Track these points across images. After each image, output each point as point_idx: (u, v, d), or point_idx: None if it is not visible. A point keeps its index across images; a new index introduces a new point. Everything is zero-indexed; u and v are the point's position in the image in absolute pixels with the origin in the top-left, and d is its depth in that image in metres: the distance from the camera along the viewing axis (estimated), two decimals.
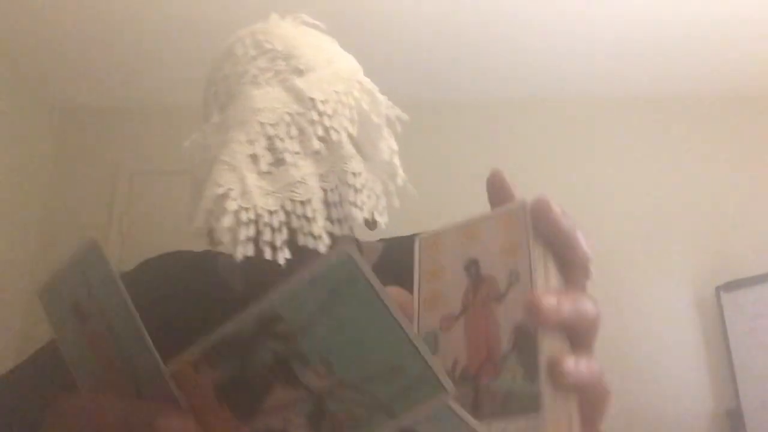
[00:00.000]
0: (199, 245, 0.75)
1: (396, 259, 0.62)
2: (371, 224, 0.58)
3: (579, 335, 0.33)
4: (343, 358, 0.24)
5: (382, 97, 0.62)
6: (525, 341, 0.29)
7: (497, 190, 0.36)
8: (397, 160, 0.61)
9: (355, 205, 0.55)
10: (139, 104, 2.56)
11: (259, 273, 0.53)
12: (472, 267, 0.32)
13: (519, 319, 0.29)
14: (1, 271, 2.20)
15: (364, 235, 0.66)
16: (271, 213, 0.51)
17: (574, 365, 0.29)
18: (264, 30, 0.64)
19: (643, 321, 2.20)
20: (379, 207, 0.58)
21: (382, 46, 2.12)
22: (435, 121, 2.42)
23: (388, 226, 0.59)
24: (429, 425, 0.24)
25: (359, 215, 0.55)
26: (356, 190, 0.55)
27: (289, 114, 0.56)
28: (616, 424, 0.60)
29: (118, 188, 2.45)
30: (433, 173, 2.29)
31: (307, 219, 0.52)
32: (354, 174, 0.56)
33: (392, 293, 0.37)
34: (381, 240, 0.73)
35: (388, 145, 0.61)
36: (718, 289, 2.17)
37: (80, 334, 0.32)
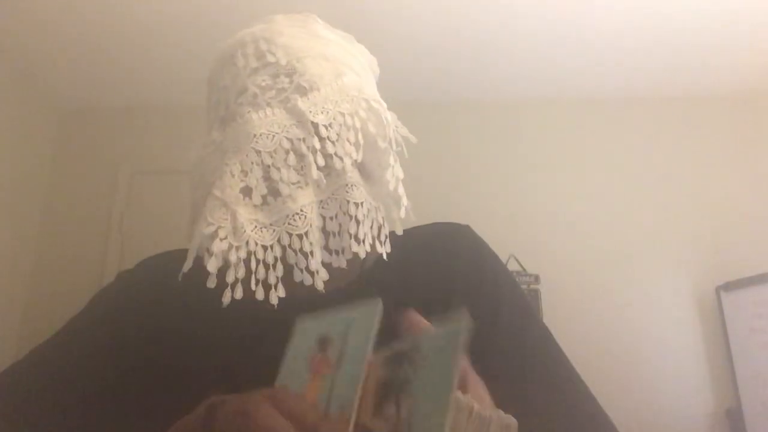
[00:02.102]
0: None
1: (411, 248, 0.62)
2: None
3: None
4: (416, 401, 0.32)
5: (390, 117, 0.59)
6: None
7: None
8: (401, 189, 0.58)
9: (356, 237, 0.52)
10: (139, 104, 2.56)
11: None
12: None
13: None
14: (1, 271, 2.20)
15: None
16: (265, 249, 0.49)
17: None
18: (268, 36, 0.60)
19: (643, 321, 2.20)
20: (381, 236, 0.55)
21: (381, 47, 2.11)
22: (435, 121, 2.42)
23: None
24: None
25: (360, 250, 0.52)
26: (358, 222, 0.52)
27: (289, 140, 0.53)
28: (615, 424, 0.60)
29: (118, 188, 2.45)
30: (433, 173, 2.29)
31: (305, 254, 0.49)
32: (356, 204, 0.53)
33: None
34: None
35: (394, 173, 0.57)
36: (718, 289, 2.17)
37: (308, 353, 0.37)
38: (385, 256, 0.55)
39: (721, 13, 2.00)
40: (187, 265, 0.48)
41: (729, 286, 2.14)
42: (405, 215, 0.59)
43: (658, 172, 2.40)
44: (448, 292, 0.63)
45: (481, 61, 2.29)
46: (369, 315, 0.36)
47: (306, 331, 0.38)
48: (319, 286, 0.50)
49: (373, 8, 1.96)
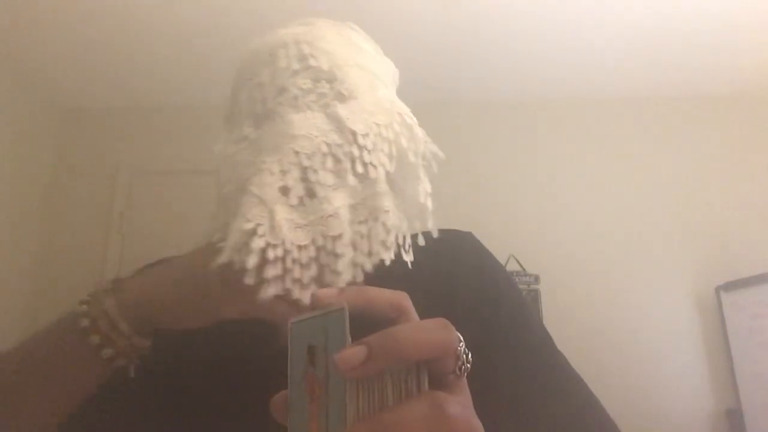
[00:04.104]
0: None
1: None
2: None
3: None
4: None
5: (420, 132, 0.60)
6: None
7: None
8: (430, 203, 0.59)
9: (384, 245, 0.53)
10: (139, 104, 2.56)
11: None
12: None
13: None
14: (1, 271, 2.20)
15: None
16: (300, 248, 0.49)
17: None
18: (311, 40, 0.61)
19: (643, 321, 2.20)
20: (405, 246, 0.55)
21: (381, 47, 2.11)
22: (434, 121, 2.41)
23: None
24: None
25: (387, 256, 0.53)
26: (387, 230, 0.53)
27: (327, 144, 0.53)
28: (617, 425, 0.60)
29: (118, 188, 2.45)
30: (432, 173, 2.28)
31: (336, 255, 0.50)
32: (386, 212, 0.54)
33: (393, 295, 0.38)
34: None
35: (424, 188, 0.58)
36: (718, 289, 2.17)
37: (305, 373, 0.36)
38: (410, 265, 0.55)
39: (721, 13, 2.00)
40: (222, 260, 0.48)
41: (729, 286, 2.14)
42: (432, 227, 0.59)
43: (658, 172, 2.40)
44: (450, 298, 0.63)
45: (480, 61, 2.29)
46: (340, 323, 0.35)
47: (296, 338, 0.37)
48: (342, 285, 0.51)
49: (373, 9, 1.97)
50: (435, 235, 0.60)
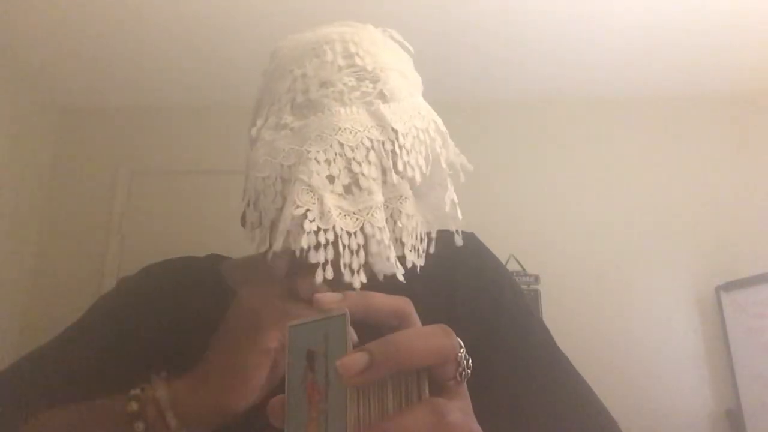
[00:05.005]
0: (198, 247, 0.75)
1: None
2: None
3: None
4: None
5: (452, 142, 0.62)
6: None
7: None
8: (459, 213, 0.60)
9: (405, 246, 0.55)
10: (139, 104, 2.56)
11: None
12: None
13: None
14: (1, 271, 2.20)
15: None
16: (350, 235, 0.50)
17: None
18: (357, 40, 0.62)
19: (643, 321, 2.20)
20: (420, 250, 0.57)
21: None
22: None
23: None
24: None
25: (413, 257, 0.55)
26: (408, 233, 0.55)
27: (370, 139, 0.54)
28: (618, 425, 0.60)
29: (118, 188, 2.45)
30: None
31: (385, 245, 0.51)
32: (408, 216, 0.55)
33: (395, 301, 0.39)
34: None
35: (450, 196, 0.60)
36: (718, 289, 2.17)
37: (304, 377, 0.36)
38: (418, 270, 0.57)
39: (721, 13, 2.00)
40: (278, 246, 0.50)
41: (729, 286, 2.14)
42: (458, 230, 0.61)
43: (658, 172, 2.40)
44: (451, 298, 0.63)
45: (480, 62, 2.29)
46: (341, 329, 0.35)
47: (295, 343, 0.37)
48: (400, 278, 0.52)
49: (373, 9, 1.97)
50: (459, 243, 0.61)
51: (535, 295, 2.14)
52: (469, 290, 0.65)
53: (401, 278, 0.52)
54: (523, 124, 2.50)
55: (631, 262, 2.27)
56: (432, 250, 0.60)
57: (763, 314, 2.04)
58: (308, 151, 0.53)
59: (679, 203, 2.34)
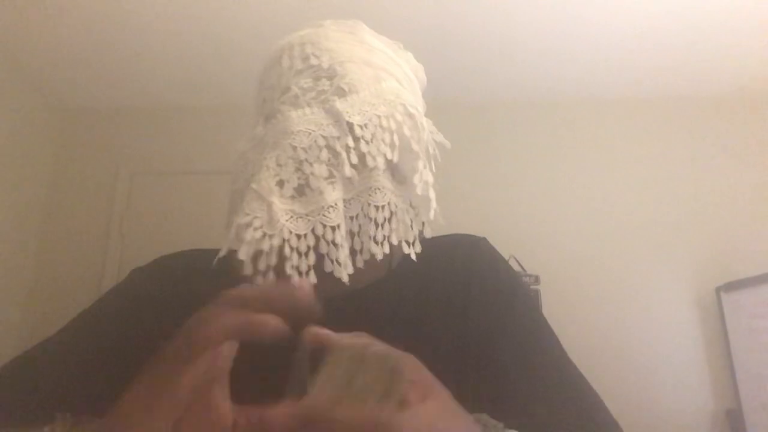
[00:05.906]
0: (198, 247, 0.75)
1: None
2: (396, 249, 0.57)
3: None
4: None
5: (425, 122, 0.62)
6: None
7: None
8: (432, 194, 0.60)
9: (374, 239, 0.54)
10: (139, 104, 2.56)
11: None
12: None
13: None
14: (1, 271, 2.20)
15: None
16: (299, 237, 0.51)
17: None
18: (314, 40, 0.63)
19: (643, 321, 2.20)
20: (409, 237, 0.57)
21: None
22: (435, 122, 2.41)
23: None
24: None
25: (378, 250, 0.54)
26: (377, 225, 0.55)
27: (324, 137, 0.55)
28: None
29: (118, 188, 2.45)
30: (432, 174, 2.28)
31: (336, 245, 0.52)
32: (377, 207, 0.55)
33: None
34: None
35: (422, 178, 0.60)
36: (718, 289, 2.17)
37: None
38: (413, 256, 0.57)
39: (721, 13, 2.00)
40: (222, 253, 0.51)
41: (729, 287, 2.14)
42: (434, 218, 0.60)
43: (658, 173, 2.40)
44: (464, 301, 0.64)
45: (481, 62, 2.29)
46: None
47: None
48: (345, 279, 0.52)
49: (372, 10, 1.97)
50: (442, 224, 0.61)
51: (535, 295, 2.14)
52: (481, 292, 0.65)
53: (345, 279, 0.52)
54: (523, 124, 2.50)
55: (632, 263, 2.27)
56: (427, 234, 0.60)
57: (763, 314, 2.04)
58: (263, 159, 0.54)
59: (679, 203, 2.34)
